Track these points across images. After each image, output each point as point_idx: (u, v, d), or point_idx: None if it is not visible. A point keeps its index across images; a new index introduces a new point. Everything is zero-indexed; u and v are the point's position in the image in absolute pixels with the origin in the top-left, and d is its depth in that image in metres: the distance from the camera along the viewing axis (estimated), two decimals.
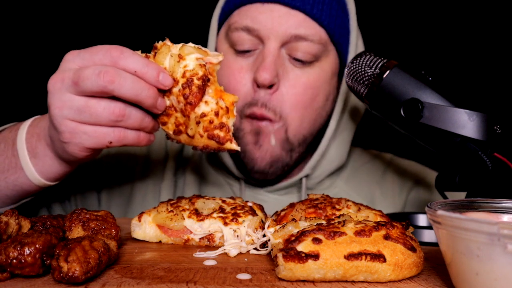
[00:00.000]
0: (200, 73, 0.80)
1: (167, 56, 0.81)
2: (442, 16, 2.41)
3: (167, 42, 0.82)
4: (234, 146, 0.82)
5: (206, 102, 0.81)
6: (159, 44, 0.82)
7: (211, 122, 0.81)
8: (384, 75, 0.90)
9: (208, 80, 0.81)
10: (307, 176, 1.26)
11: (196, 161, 1.34)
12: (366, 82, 0.94)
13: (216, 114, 0.81)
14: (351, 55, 1.21)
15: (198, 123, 0.81)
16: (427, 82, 0.88)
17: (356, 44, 1.23)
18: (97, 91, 0.76)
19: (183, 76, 0.80)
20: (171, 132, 0.85)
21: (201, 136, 0.82)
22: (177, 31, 2.41)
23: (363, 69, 0.95)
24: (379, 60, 0.94)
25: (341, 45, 1.21)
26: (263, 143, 1.15)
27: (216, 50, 1.25)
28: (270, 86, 1.12)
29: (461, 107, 0.85)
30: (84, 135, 0.79)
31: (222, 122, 0.81)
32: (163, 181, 1.30)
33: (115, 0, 2.44)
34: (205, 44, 1.30)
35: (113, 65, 0.77)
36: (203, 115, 0.80)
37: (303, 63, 1.15)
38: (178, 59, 0.80)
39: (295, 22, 1.12)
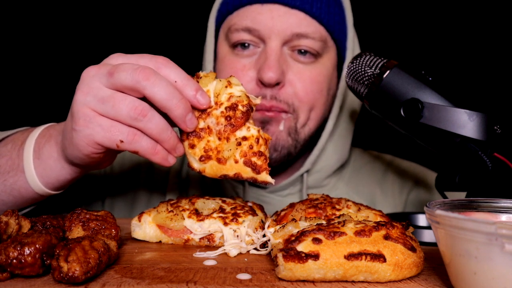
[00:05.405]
0: (245, 101, 0.79)
1: (214, 81, 0.81)
2: (442, 16, 2.41)
3: (212, 71, 0.83)
4: (269, 178, 0.79)
5: (248, 127, 0.79)
6: (202, 73, 0.82)
7: (251, 147, 0.78)
8: (384, 75, 0.90)
9: (252, 109, 0.80)
10: (308, 171, 1.26)
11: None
12: (366, 82, 0.94)
13: (257, 140, 0.79)
14: (349, 51, 1.23)
15: (239, 144, 0.78)
16: (427, 82, 0.88)
17: (353, 40, 1.25)
18: (130, 85, 0.73)
19: (228, 100, 0.79)
20: (197, 158, 0.80)
21: (236, 162, 0.78)
22: (173, 34, 2.43)
23: (363, 69, 0.95)
24: (379, 60, 0.94)
25: (340, 41, 1.23)
26: (271, 127, 1.16)
27: (216, 51, 1.25)
28: (276, 84, 1.12)
29: (461, 107, 0.85)
30: (98, 127, 0.74)
31: (261, 151, 0.79)
32: (165, 197, 1.31)
33: (113, 7, 2.45)
34: (202, 46, 1.31)
35: (156, 70, 0.75)
36: (245, 138, 0.79)
37: (305, 59, 1.16)
38: (227, 85, 0.80)
39: (295, 20, 1.14)
